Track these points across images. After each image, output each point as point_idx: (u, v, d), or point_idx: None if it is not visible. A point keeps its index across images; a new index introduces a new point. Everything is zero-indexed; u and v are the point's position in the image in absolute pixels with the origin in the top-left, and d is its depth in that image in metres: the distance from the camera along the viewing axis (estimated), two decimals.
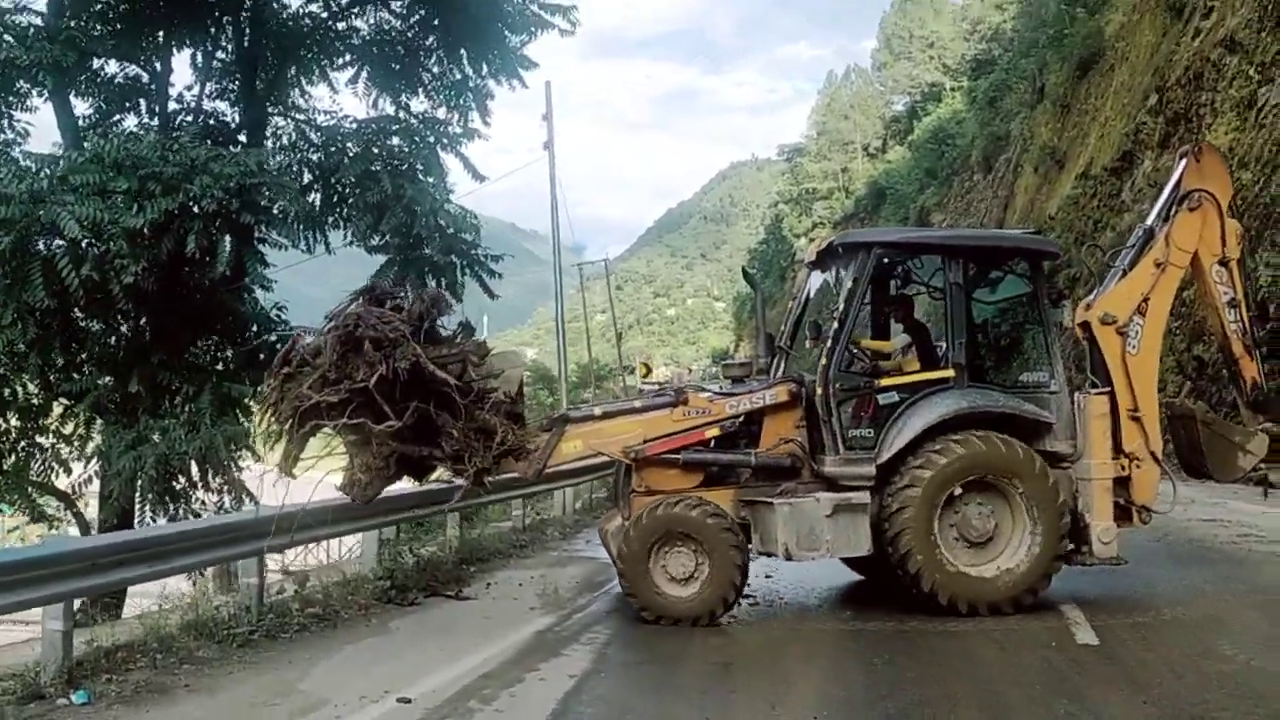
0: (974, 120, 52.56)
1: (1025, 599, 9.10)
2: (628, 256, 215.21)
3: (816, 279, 10.80)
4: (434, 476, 9.69)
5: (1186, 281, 10.44)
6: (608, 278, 51.75)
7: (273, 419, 8.49)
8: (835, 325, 9.45)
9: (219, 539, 8.88)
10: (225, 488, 14.78)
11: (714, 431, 9.74)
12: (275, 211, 14.60)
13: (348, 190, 16.43)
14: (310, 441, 8.71)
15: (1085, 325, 9.84)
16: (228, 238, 13.56)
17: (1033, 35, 47.97)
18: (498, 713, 6.54)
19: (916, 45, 71.67)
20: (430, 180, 16.54)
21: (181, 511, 14.53)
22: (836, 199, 71.07)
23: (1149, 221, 10.22)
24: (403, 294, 8.74)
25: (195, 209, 12.90)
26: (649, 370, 41.77)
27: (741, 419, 9.81)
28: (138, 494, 14.48)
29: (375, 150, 16.32)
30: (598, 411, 10.01)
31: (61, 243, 12.77)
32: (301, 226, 15.70)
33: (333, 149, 16.67)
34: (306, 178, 16.84)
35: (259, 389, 9.66)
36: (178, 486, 14.57)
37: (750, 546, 9.54)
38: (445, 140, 17.61)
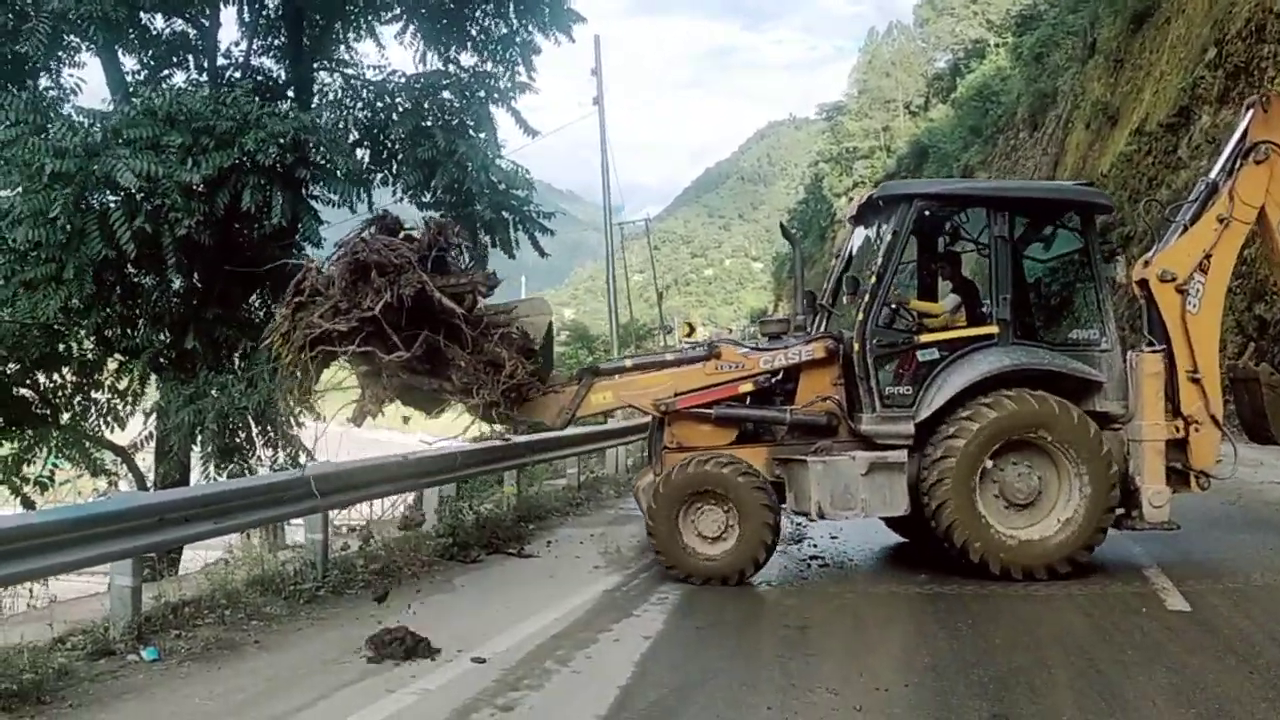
0: (1019, 77, 51.47)
1: (1081, 556, 8.78)
2: (665, 217, 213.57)
3: (859, 235, 10.43)
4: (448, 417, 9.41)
5: (1250, 238, 9.93)
6: (648, 237, 51.26)
7: (284, 348, 8.24)
8: (873, 280, 9.11)
9: (281, 495, 8.62)
10: (283, 444, 14.72)
11: (748, 387, 9.47)
12: (327, 167, 14.35)
13: (397, 146, 16.04)
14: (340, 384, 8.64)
15: (1143, 283, 9.39)
16: (281, 193, 13.33)
17: None
18: (575, 674, 6.33)
19: (960, 0, 70.11)
20: (482, 136, 16.16)
21: (241, 468, 14.48)
22: (878, 158, 69.89)
23: (1212, 175, 9.71)
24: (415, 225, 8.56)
25: (249, 164, 12.72)
26: (692, 329, 41.31)
27: (778, 376, 9.52)
28: (196, 449, 14.43)
29: (426, 106, 15.94)
30: (628, 364, 9.77)
31: (115, 197, 12.68)
32: (350, 184, 15.37)
33: (380, 105, 16.32)
34: (354, 135, 16.44)
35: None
36: (237, 441, 14.49)
37: (785, 505, 9.29)
38: (496, 95, 17.14)
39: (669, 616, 7.85)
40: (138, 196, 12.46)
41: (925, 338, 9.21)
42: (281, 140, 12.56)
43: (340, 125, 15.52)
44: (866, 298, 9.09)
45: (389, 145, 16.14)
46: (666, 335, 42.87)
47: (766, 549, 8.90)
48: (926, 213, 9.32)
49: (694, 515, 8.99)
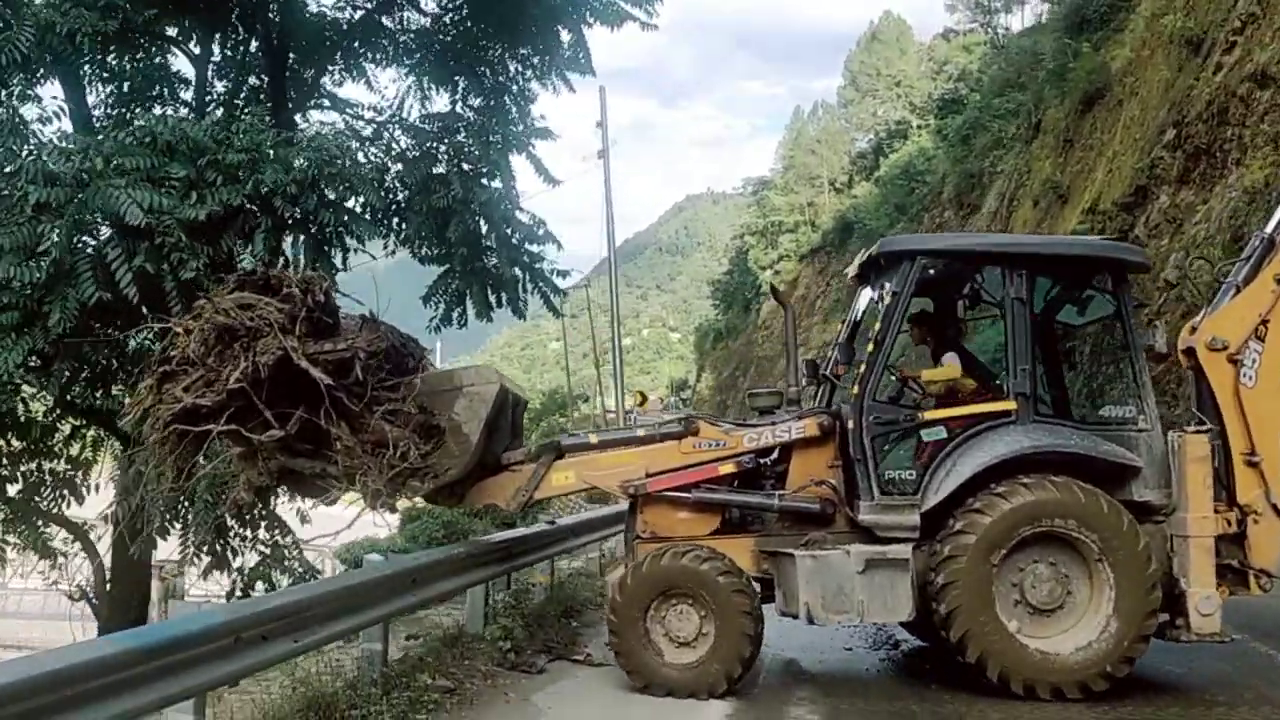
0: (945, 157, 51.96)
1: (1097, 684, 7.46)
2: (582, 286, 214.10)
3: (864, 296, 9.31)
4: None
5: None
6: (588, 305, 51.49)
7: (149, 424, 6.99)
8: (870, 347, 7.98)
9: (359, 600, 7.07)
10: (268, 523, 13.28)
11: (729, 468, 8.34)
12: (354, 208, 12.69)
13: (407, 194, 14.19)
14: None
15: (1190, 352, 8.14)
16: (301, 240, 12.12)
17: (1005, 75, 48.07)
18: None
19: (883, 83, 71.25)
20: (496, 184, 14.66)
21: (223, 551, 13.15)
22: (803, 232, 70.95)
23: (1269, 229, 8.44)
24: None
25: (260, 204, 11.36)
26: (644, 399, 40.09)
27: (767, 455, 8.39)
28: (190, 526, 13.04)
29: (441, 150, 14.46)
30: (593, 439, 8.70)
31: (107, 232, 11.23)
32: (374, 226, 13.46)
33: (386, 147, 14.87)
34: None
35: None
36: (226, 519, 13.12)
37: (773, 604, 8.13)
38: (514, 139, 15.35)
39: None
40: (139, 233, 10.86)
41: (930, 414, 8.03)
42: (300, 177, 11.41)
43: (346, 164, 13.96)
44: (862, 368, 7.96)
45: (396, 192, 14.42)
46: (581, 402, 41.81)
47: (743, 663, 7.71)
48: (931, 271, 8.18)
49: (666, 614, 7.86)
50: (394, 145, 14.30)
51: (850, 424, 7.93)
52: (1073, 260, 8.18)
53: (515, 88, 15.47)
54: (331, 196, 11.62)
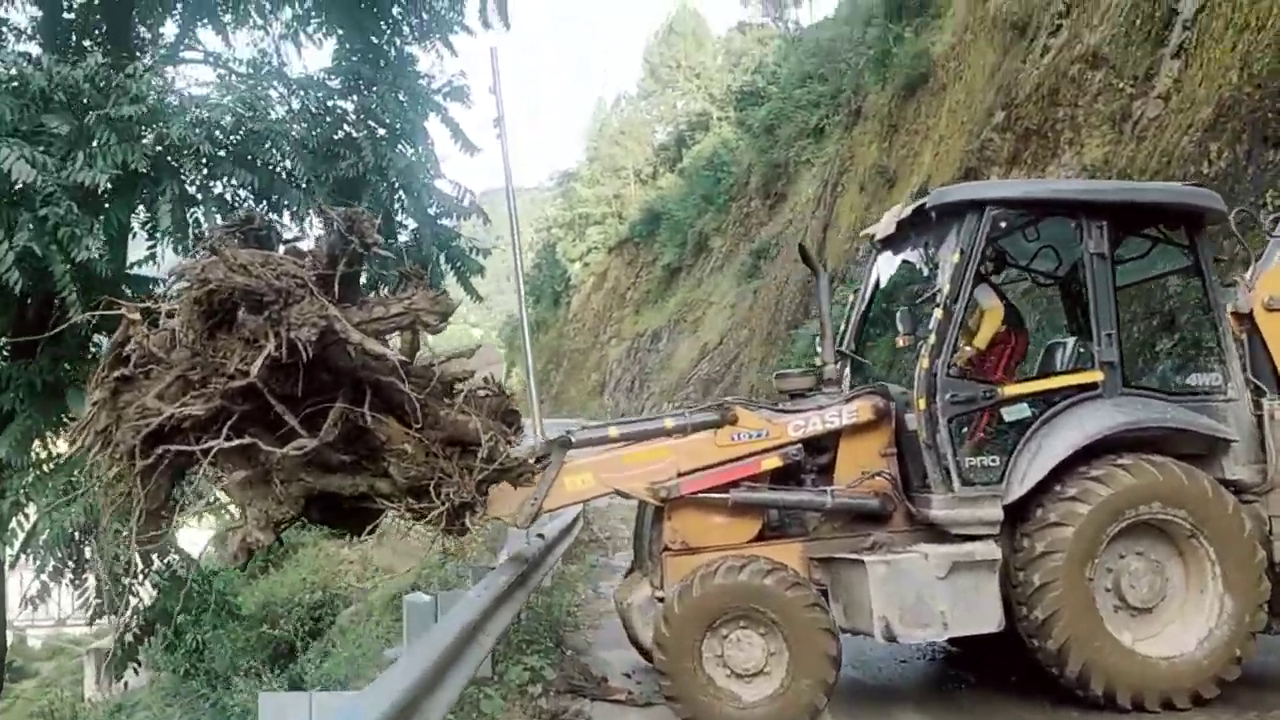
0: (749, 148, 52.65)
1: (1230, 674, 6.59)
2: None
3: (888, 263, 8.17)
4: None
5: None
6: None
7: (105, 454, 4.88)
8: (940, 313, 6.83)
9: None
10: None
11: (774, 462, 7.03)
12: (278, 172, 10.62)
13: (305, 163, 11.14)
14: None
15: (1243, 313, 7.40)
16: (213, 214, 9.69)
17: (805, 67, 49.09)
18: None
19: (682, 75, 72.57)
20: (415, 151, 12.54)
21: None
22: (610, 224, 71.26)
23: None
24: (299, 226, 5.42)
25: (167, 166, 9.26)
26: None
27: (816, 446, 7.12)
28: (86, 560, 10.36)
29: (348, 109, 12.18)
30: (613, 432, 7.19)
31: None
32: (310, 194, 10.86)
33: (275, 107, 11.61)
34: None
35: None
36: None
37: None
38: (424, 100, 12.93)
39: None
40: (17, 203, 8.74)
41: (1012, 389, 6.96)
42: (215, 135, 9.02)
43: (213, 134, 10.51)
44: (932, 338, 6.79)
45: (290, 161, 11.53)
46: None
47: (827, 690, 6.41)
48: (1003, 224, 7.10)
49: (722, 645, 6.47)
50: (288, 103, 11.79)
51: (921, 404, 6.75)
52: (1153, 210, 7.26)
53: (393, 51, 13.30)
54: (263, 161, 9.44)
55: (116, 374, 4.68)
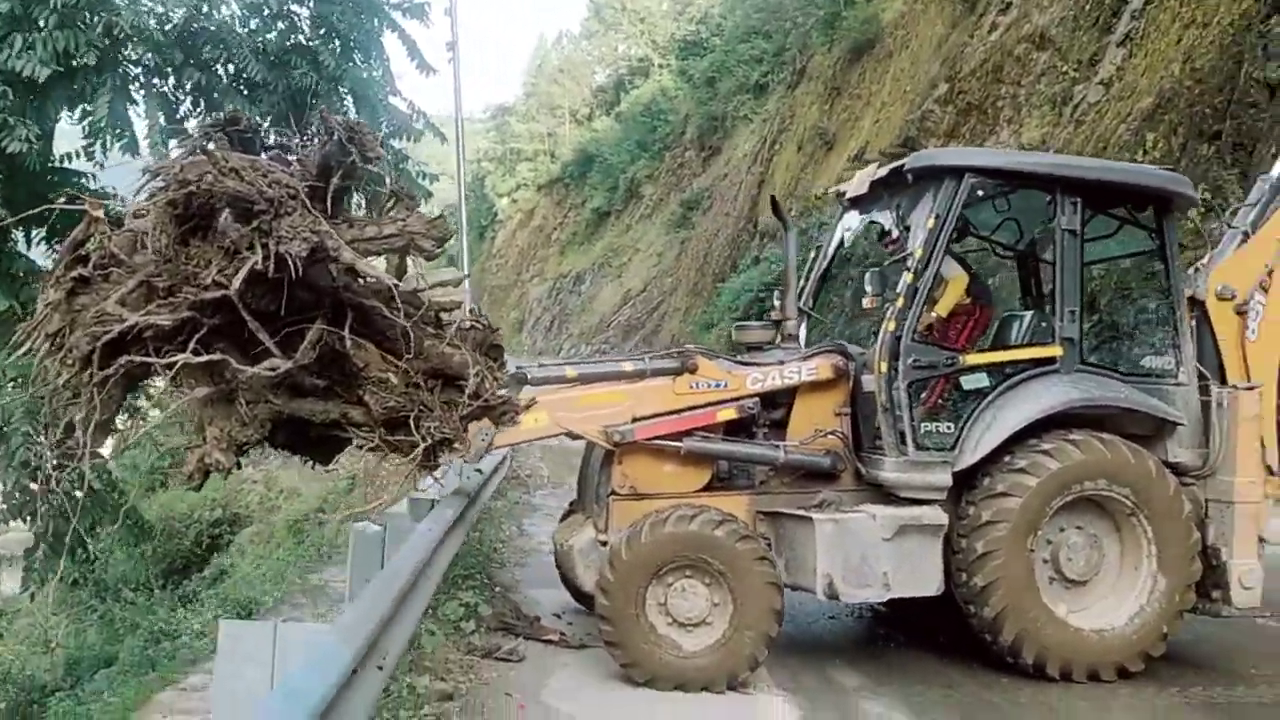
0: (689, 99, 52.52)
1: (1134, 665, 6.73)
2: None
3: (853, 222, 8.08)
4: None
5: None
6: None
7: (55, 359, 4.46)
8: (909, 277, 6.77)
9: None
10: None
11: (729, 414, 6.95)
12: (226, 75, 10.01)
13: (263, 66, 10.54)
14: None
15: (1198, 299, 7.50)
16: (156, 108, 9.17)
17: (750, 22, 48.66)
18: None
19: (627, 18, 71.75)
20: (369, 65, 11.85)
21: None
22: (541, 162, 70.52)
23: (1274, 174, 7.93)
24: (286, 133, 5.00)
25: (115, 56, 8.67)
26: None
27: (772, 399, 7.05)
28: None
29: (302, 13, 11.34)
30: (570, 372, 7.03)
31: None
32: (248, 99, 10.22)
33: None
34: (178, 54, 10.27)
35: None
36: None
37: None
38: (378, 12, 12.08)
39: None
40: None
41: (972, 358, 6.96)
42: (166, 28, 8.40)
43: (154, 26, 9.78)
44: (899, 301, 6.74)
45: (240, 64, 10.58)
46: None
47: (768, 643, 6.39)
48: (980, 193, 7.06)
49: (666, 592, 6.39)
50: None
51: (882, 366, 6.70)
52: (1126, 191, 7.27)
53: None
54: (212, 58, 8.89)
55: (74, 274, 4.29)
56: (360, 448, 4.82)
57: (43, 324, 4.28)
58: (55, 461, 8.19)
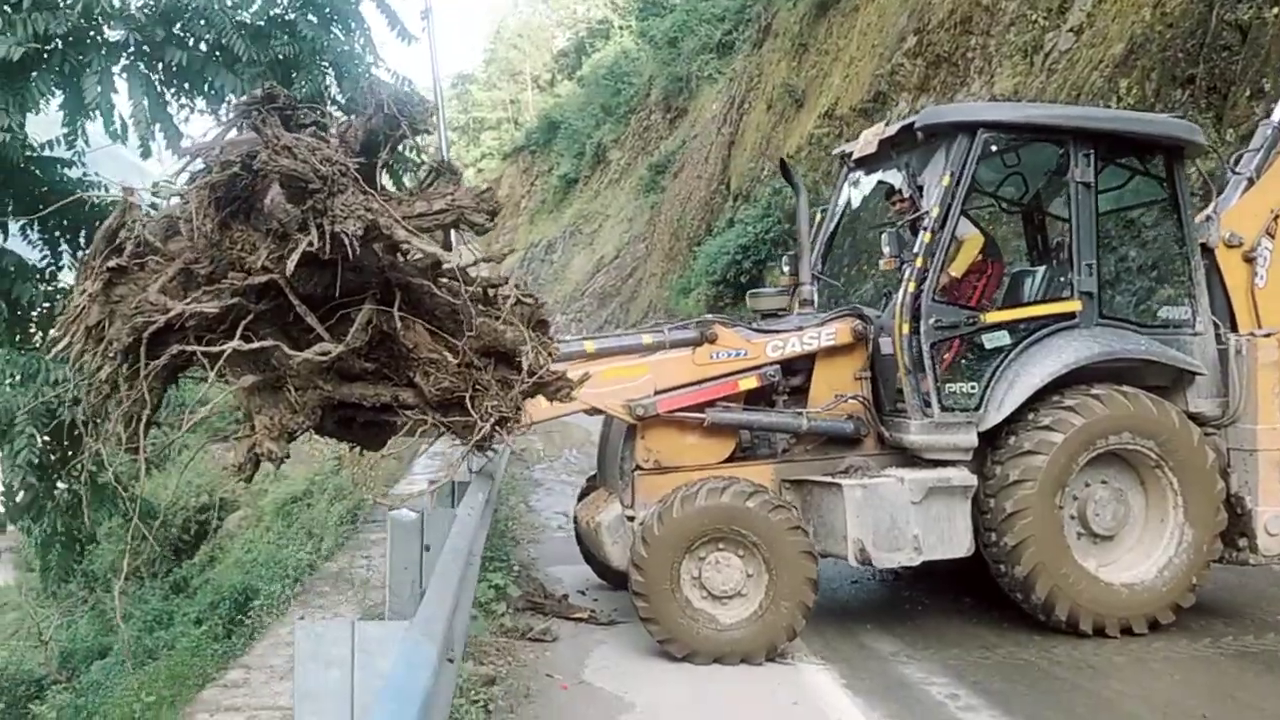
0: (652, 60, 51.74)
1: (1186, 600, 6.77)
2: None
3: (862, 184, 7.99)
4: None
5: None
6: None
7: (93, 351, 4.27)
8: (926, 237, 6.69)
9: None
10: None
11: (751, 383, 6.90)
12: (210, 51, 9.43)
13: (235, 40, 9.60)
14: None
15: (1209, 248, 7.48)
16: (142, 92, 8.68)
17: None
18: None
19: None
20: (349, 35, 11.03)
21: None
22: (505, 129, 69.60)
23: (1275, 118, 7.90)
24: (321, 110, 4.77)
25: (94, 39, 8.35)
26: None
27: (791, 366, 6.98)
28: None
29: None
30: (589, 347, 6.91)
31: None
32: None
33: None
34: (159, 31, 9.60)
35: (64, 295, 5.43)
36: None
37: None
38: None
39: None
40: None
41: (993, 316, 6.90)
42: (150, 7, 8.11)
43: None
44: (918, 261, 6.66)
45: (222, 36, 9.84)
46: None
47: (805, 613, 6.34)
48: (993, 148, 6.97)
49: (698, 567, 6.33)
50: None
51: (904, 329, 6.63)
52: (1136, 140, 7.19)
53: None
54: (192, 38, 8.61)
55: (111, 264, 4.07)
56: (411, 432, 4.67)
57: (81, 317, 4.10)
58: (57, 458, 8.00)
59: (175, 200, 4.25)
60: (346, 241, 3.83)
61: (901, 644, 6.64)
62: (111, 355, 4.04)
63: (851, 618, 7.25)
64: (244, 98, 4.22)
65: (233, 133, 4.22)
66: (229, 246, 4.07)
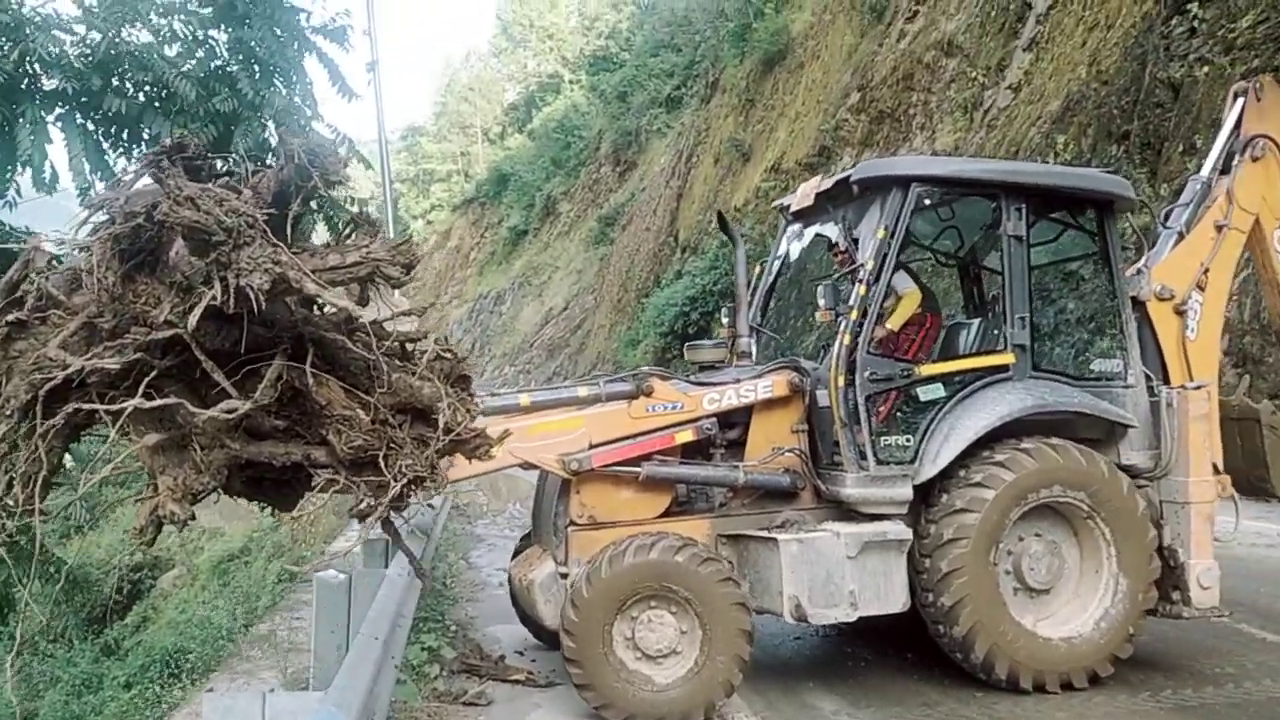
0: (601, 114, 52.77)
1: (1104, 669, 6.72)
2: None
3: (800, 236, 8.01)
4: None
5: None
6: None
7: None
8: (861, 289, 6.69)
9: None
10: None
11: (687, 436, 6.80)
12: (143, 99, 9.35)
13: (174, 92, 9.73)
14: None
15: (1136, 301, 7.56)
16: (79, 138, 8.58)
17: (658, 36, 49.21)
18: None
19: (535, 35, 71.75)
20: (290, 90, 11.15)
21: None
22: (455, 181, 70.11)
23: (1204, 173, 8.05)
24: (233, 159, 4.60)
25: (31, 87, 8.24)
26: None
27: (728, 420, 6.92)
28: None
29: (220, 39, 10.66)
30: (523, 400, 6.79)
31: None
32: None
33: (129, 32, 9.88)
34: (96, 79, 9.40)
35: None
36: None
37: None
38: (298, 37, 11.34)
39: None
40: None
41: (928, 368, 6.90)
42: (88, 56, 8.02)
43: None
44: (853, 314, 6.66)
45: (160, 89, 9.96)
46: None
47: (741, 666, 6.23)
48: (927, 201, 7.02)
49: (632, 626, 6.20)
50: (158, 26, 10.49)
51: (839, 381, 6.61)
52: (1067, 195, 7.28)
53: None
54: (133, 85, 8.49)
55: (10, 318, 3.92)
56: (324, 490, 4.51)
57: None
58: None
59: (81, 253, 4.09)
60: (252, 295, 3.70)
61: (844, 702, 6.54)
62: (9, 413, 3.87)
63: (793, 675, 7.14)
64: (154, 148, 4.08)
65: (145, 182, 4.08)
66: (133, 300, 3.92)
